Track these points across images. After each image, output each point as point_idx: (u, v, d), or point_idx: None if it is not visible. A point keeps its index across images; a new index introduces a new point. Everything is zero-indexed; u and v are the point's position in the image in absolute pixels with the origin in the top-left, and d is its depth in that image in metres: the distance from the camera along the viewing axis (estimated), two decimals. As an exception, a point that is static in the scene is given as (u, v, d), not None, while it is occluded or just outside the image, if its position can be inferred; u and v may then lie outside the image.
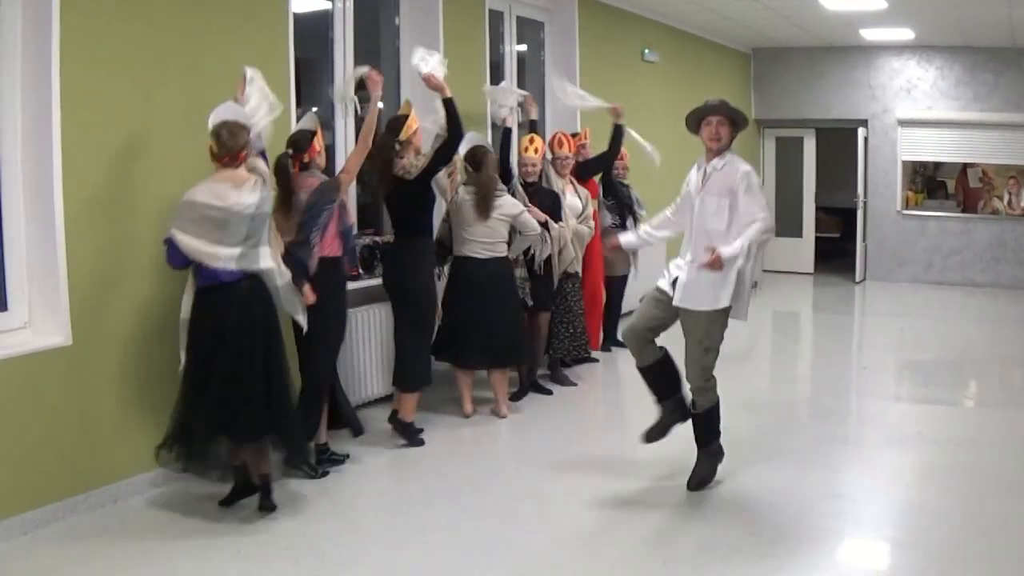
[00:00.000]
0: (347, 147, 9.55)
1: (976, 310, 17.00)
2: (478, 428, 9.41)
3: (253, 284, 6.64)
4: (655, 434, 7.71)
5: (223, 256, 6.46)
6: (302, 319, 7.02)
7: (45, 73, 6.51)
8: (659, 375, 7.66)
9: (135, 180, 6.97)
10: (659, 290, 7.58)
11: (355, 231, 7.98)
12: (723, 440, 7.81)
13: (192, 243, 6.43)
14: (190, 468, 6.85)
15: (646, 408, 7.82)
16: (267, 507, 6.92)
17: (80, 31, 6.67)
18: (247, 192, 6.51)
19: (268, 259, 6.70)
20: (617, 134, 11.39)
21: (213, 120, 6.72)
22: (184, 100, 7.25)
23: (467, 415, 9.62)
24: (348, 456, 8.13)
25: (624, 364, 11.94)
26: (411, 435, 8.73)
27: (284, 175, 7.43)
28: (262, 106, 7.13)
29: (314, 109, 9.35)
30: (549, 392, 10.53)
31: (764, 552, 6.57)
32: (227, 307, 6.54)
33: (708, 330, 7.36)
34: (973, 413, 10.51)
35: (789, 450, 8.63)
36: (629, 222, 12.10)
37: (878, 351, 12.56)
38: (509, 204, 9.37)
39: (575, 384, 10.98)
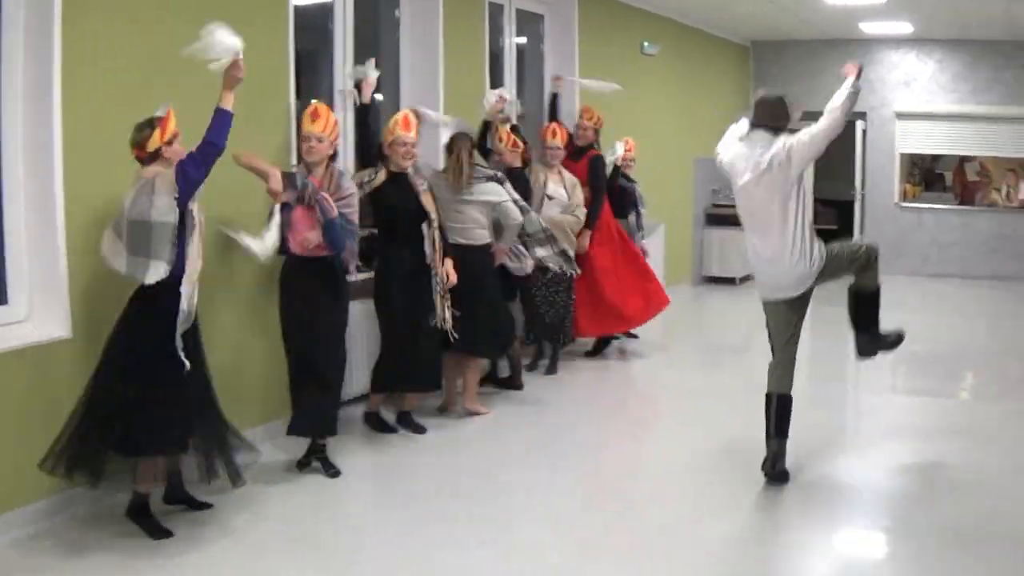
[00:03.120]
0: (346, 139, 9.56)
1: (974, 302, 17.04)
2: (454, 424, 9.38)
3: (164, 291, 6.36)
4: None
5: (117, 259, 6.35)
6: (179, 352, 6.31)
7: (47, 66, 6.52)
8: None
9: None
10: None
11: (346, 226, 7.68)
12: (720, 430, 7.87)
13: (106, 241, 6.42)
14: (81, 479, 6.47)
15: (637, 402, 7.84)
16: (183, 502, 6.87)
17: (82, 24, 6.69)
18: (131, 192, 6.32)
19: (155, 276, 6.26)
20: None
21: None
22: (184, 93, 7.22)
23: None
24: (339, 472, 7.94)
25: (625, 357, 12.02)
26: (417, 426, 8.88)
27: None
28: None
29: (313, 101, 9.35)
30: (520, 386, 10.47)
31: (760, 541, 6.63)
32: (143, 313, 6.40)
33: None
34: (969, 405, 10.56)
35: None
36: (631, 217, 12.14)
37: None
38: (489, 190, 9.33)
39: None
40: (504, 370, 10.46)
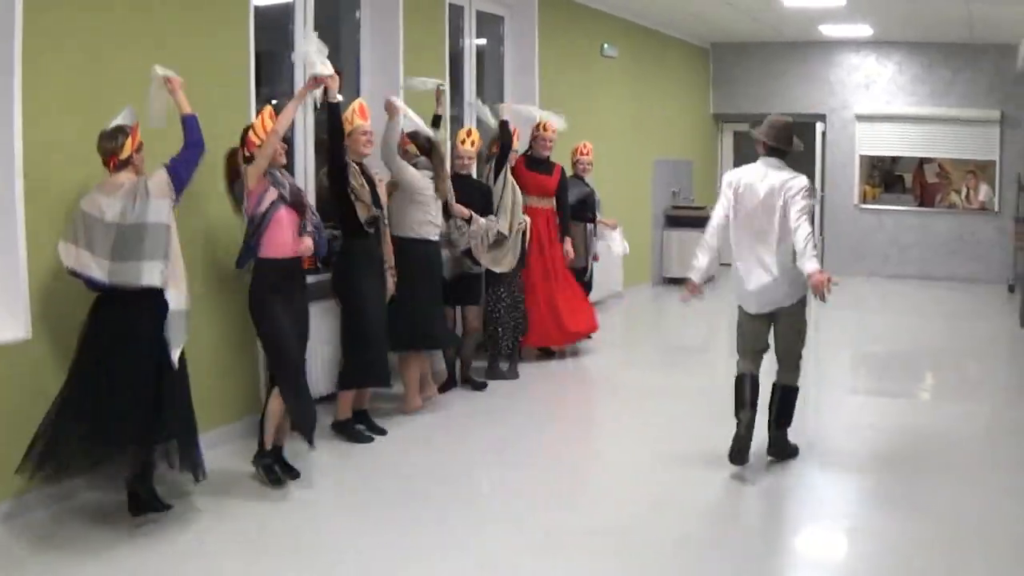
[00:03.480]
0: (305, 141, 9.56)
1: (932, 303, 17.13)
2: (416, 422, 9.36)
3: (141, 297, 6.42)
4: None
5: (93, 267, 6.32)
6: (174, 355, 6.52)
7: (6, 64, 6.47)
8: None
9: (95, 173, 6.92)
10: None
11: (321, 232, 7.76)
12: (678, 430, 7.91)
13: (69, 250, 6.36)
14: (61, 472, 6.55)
15: (585, 401, 7.84)
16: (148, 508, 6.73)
17: (42, 28, 6.64)
18: (116, 199, 6.34)
19: (154, 277, 6.37)
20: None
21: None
22: (145, 95, 7.22)
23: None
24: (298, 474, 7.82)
25: (584, 357, 12.04)
26: (377, 427, 8.88)
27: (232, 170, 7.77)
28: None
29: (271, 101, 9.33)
30: (483, 386, 10.48)
31: (721, 542, 6.64)
32: (115, 316, 6.41)
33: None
34: (928, 405, 10.61)
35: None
36: (589, 227, 12.19)
37: (834, 344, 12.64)
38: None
39: (516, 377, 10.96)
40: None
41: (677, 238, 18.26)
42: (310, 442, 7.64)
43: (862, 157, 19.77)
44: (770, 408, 8.07)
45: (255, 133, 7.48)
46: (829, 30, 18.11)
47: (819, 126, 19.89)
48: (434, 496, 7.40)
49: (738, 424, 7.78)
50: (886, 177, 19.91)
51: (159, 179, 6.43)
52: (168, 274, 6.40)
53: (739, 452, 7.66)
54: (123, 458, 6.63)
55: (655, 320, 15.99)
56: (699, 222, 18.05)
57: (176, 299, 6.44)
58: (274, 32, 9.42)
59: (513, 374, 10.97)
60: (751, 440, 7.74)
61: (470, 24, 12.47)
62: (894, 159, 19.72)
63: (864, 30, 18.00)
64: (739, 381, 7.98)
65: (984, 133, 18.96)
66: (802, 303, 7.90)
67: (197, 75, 7.45)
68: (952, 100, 19.05)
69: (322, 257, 7.89)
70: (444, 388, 10.26)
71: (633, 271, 16.70)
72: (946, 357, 12.74)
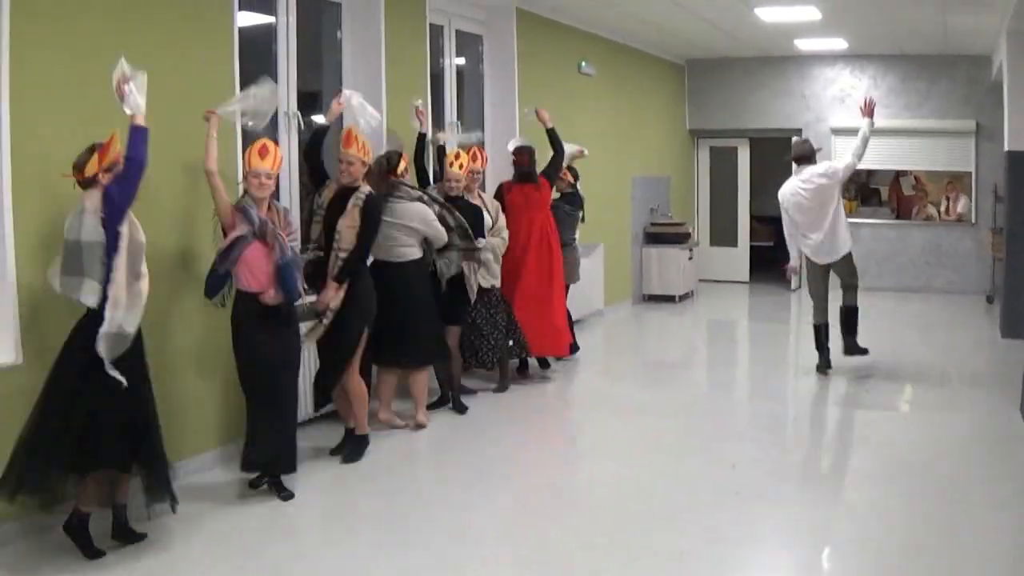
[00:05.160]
0: (290, 163, 9.58)
1: (910, 315, 17.19)
2: (397, 441, 9.38)
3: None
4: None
5: (52, 281, 6.36)
6: (112, 372, 6.34)
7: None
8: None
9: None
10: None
11: (296, 265, 7.69)
12: (664, 448, 7.96)
13: (52, 269, 6.40)
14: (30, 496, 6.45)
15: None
16: (123, 538, 6.74)
17: (29, 50, 6.66)
18: (70, 216, 6.35)
19: (90, 296, 6.31)
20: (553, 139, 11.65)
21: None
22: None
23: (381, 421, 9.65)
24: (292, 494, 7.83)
25: (566, 374, 12.06)
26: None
27: None
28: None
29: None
30: (464, 409, 10.39)
31: (710, 558, 6.65)
32: (82, 334, 6.37)
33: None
34: (909, 417, 10.64)
35: (731, 457, 8.70)
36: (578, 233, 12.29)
37: (815, 357, 12.68)
38: (412, 211, 9.38)
39: (505, 390, 11.13)
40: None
41: (657, 255, 18.31)
42: (273, 475, 7.71)
43: (838, 170, 19.82)
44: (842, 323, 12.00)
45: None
46: (804, 44, 18.19)
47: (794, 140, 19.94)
48: (421, 516, 7.42)
49: (821, 356, 12.15)
50: (862, 190, 19.97)
51: (95, 196, 6.31)
52: (110, 294, 6.27)
53: (824, 366, 12.12)
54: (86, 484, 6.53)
55: (636, 337, 15.99)
56: (678, 239, 18.31)
57: (109, 321, 6.24)
58: (257, 53, 9.42)
59: (502, 387, 11.13)
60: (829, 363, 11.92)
61: (450, 43, 12.52)
62: (870, 172, 19.79)
63: (839, 44, 18.09)
64: (817, 329, 12.16)
65: (960, 144, 19.08)
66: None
67: (182, 96, 7.48)
68: (927, 112, 19.16)
69: (292, 299, 7.67)
70: (435, 405, 10.32)
71: (614, 289, 16.74)
72: (925, 368, 12.77)
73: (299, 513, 7.52)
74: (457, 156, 10.34)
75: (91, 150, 6.40)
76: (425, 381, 9.76)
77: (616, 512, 7.52)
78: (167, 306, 7.63)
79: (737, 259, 20.94)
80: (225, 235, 7.45)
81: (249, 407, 7.70)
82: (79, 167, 6.38)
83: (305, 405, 9.07)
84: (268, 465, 7.68)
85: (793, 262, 12.34)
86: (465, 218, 9.94)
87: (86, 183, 6.38)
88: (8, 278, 6.60)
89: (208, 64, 8.24)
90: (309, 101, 10.23)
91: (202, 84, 8.06)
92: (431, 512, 7.48)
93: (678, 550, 6.70)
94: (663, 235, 18.45)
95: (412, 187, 9.64)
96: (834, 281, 12.03)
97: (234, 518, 7.24)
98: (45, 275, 6.41)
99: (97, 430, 6.31)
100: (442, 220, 9.52)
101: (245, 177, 7.62)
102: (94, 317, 6.26)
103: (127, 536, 6.73)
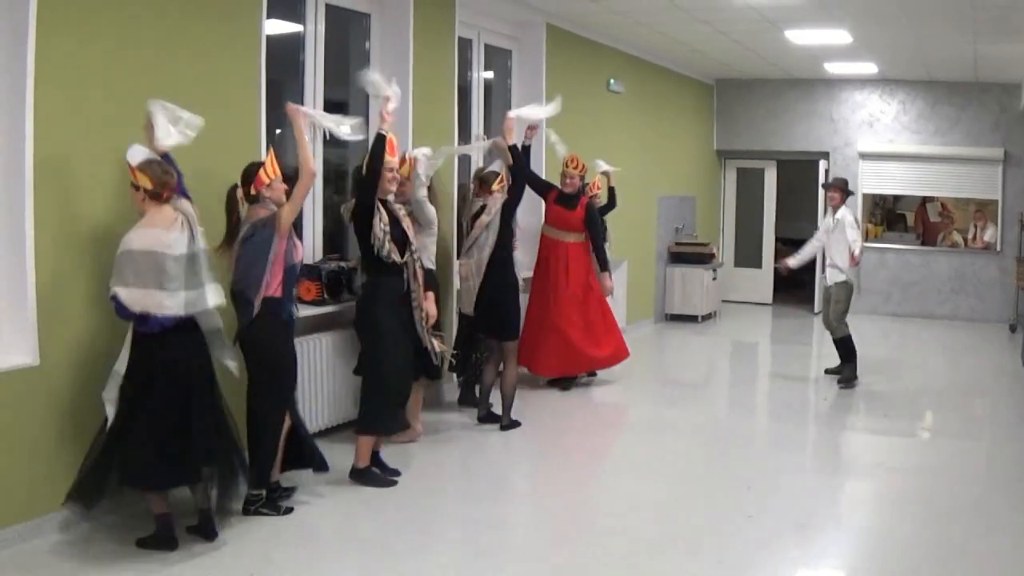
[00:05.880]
0: (319, 172, 9.58)
1: (934, 342, 17.13)
2: (409, 454, 9.32)
3: (194, 325, 6.59)
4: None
5: (168, 304, 6.36)
6: (231, 365, 6.87)
7: (20, 93, 6.48)
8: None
9: (107, 199, 6.95)
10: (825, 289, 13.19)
11: (298, 270, 7.70)
12: (681, 468, 7.92)
13: (135, 295, 6.34)
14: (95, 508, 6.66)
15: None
16: (209, 535, 6.82)
17: (55, 53, 6.66)
18: (176, 232, 6.41)
19: (217, 296, 6.61)
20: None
21: (134, 159, 6.58)
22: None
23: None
24: (295, 488, 7.91)
25: (588, 392, 12.04)
26: (391, 469, 8.66)
27: (230, 207, 7.40)
28: (171, 131, 6.92)
29: (277, 130, 9.32)
30: (515, 424, 10.26)
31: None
32: (169, 351, 6.46)
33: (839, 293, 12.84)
34: (931, 443, 10.59)
35: (750, 479, 8.67)
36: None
37: (837, 382, 12.66)
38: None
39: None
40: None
41: (680, 274, 18.27)
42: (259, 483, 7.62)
43: (865, 195, 19.76)
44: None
45: (265, 172, 7.29)
46: (834, 68, 18.14)
47: (822, 164, 19.88)
48: (433, 531, 7.41)
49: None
50: (888, 215, 19.92)
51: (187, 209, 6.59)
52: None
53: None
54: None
55: (657, 356, 15.95)
56: (702, 259, 18.26)
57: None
58: (284, 62, 9.43)
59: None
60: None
61: (478, 57, 12.53)
62: (896, 198, 19.74)
63: (869, 68, 18.03)
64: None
65: (987, 172, 19.01)
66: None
67: (208, 104, 7.45)
68: (956, 139, 19.10)
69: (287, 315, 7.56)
70: (485, 420, 10.30)
71: (636, 307, 16.71)
72: (947, 395, 12.73)
73: (311, 524, 7.49)
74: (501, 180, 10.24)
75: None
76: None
77: (627, 532, 7.45)
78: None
79: (761, 281, 20.86)
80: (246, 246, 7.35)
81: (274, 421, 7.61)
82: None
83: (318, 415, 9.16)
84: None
85: (795, 263, 13.60)
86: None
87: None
88: (27, 280, 6.59)
89: (235, 73, 8.25)
90: (335, 111, 10.19)
91: (228, 92, 8.07)
92: (443, 528, 7.47)
93: (688, 572, 6.67)
94: (687, 255, 18.41)
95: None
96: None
97: (242, 527, 7.23)
98: (136, 311, 6.40)
99: (160, 446, 6.43)
100: None
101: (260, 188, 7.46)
102: (169, 333, 6.45)
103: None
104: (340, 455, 8.51)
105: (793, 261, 13.48)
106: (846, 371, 12.73)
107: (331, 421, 9.40)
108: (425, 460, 9.02)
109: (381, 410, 8.36)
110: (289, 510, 7.55)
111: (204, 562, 6.56)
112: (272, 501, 7.53)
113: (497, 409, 10.25)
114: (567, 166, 11.62)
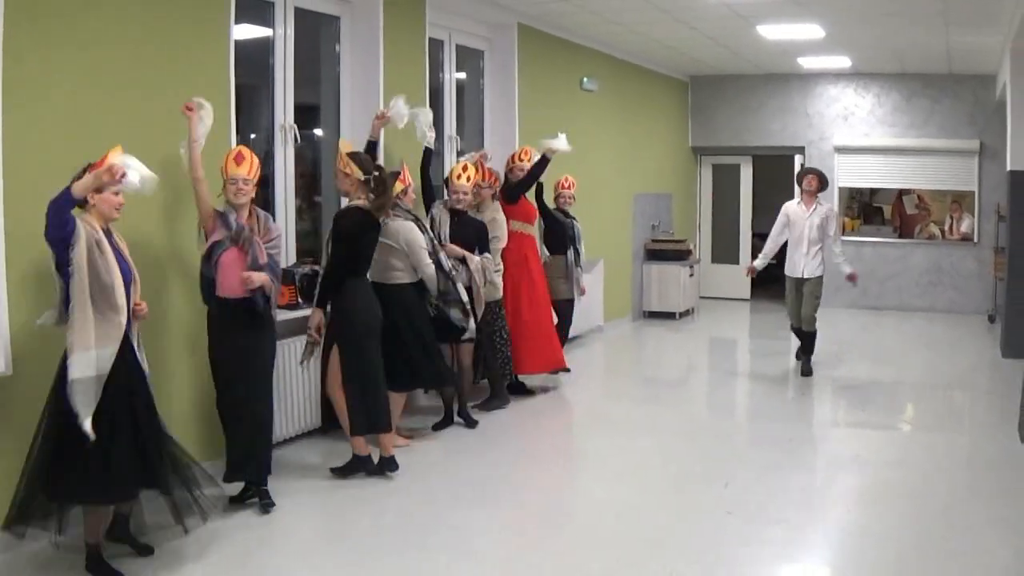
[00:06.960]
0: (286, 176, 9.56)
1: (912, 335, 17.13)
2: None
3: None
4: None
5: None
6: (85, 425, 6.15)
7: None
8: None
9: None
10: (792, 280, 13.42)
11: (275, 269, 7.67)
12: (659, 466, 7.98)
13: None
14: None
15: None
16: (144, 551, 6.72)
17: (22, 58, 6.62)
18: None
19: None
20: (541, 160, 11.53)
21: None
22: (127, 127, 7.20)
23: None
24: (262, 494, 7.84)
25: (565, 391, 12.01)
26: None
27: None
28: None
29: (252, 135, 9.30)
30: (475, 423, 10.37)
31: (706, 578, 6.61)
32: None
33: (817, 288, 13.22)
34: (910, 436, 10.57)
35: (729, 477, 8.65)
36: (570, 254, 12.15)
37: (814, 376, 12.65)
38: (405, 230, 9.18)
39: (508, 403, 11.13)
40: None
41: (657, 272, 18.27)
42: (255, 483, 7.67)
43: (841, 189, 19.78)
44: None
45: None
46: (808, 62, 18.17)
47: (798, 159, 19.93)
48: (413, 534, 7.36)
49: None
50: (865, 209, 19.94)
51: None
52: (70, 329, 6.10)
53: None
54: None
55: (635, 354, 15.93)
56: (679, 255, 18.25)
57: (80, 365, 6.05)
58: (254, 66, 9.40)
59: (504, 401, 11.13)
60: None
61: (450, 58, 12.51)
62: (873, 191, 19.76)
63: (843, 62, 18.05)
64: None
65: (963, 164, 19.04)
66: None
67: (177, 110, 7.42)
68: (931, 131, 19.13)
69: (260, 306, 7.51)
70: (440, 426, 10.25)
71: (613, 305, 16.71)
72: (926, 388, 12.75)
73: (292, 527, 7.48)
74: (465, 168, 10.27)
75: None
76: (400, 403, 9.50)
77: (607, 532, 7.45)
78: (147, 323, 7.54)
79: (738, 276, 20.85)
80: (206, 239, 7.47)
81: (224, 413, 7.71)
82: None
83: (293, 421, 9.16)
84: (246, 473, 7.67)
85: (757, 265, 13.91)
86: (466, 235, 9.92)
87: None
88: (-1, 289, 6.54)
89: (204, 78, 8.20)
90: (307, 114, 10.19)
91: (197, 95, 8.02)
92: (423, 531, 7.40)
93: (667, 571, 6.64)
94: (664, 252, 18.41)
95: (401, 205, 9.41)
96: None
97: (222, 529, 7.19)
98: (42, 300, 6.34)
99: (96, 461, 6.15)
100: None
101: (224, 184, 7.56)
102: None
103: (130, 542, 6.75)
104: (315, 458, 8.50)
105: (759, 262, 13.80)
106: (808, 363, 13.26)
107: (305, 426, 9.42)
108: (404, 461, 9.00)
109: (361, 410, 8.43)
110: (270, 507, 7.64)
111: (186, 564, 6.55)
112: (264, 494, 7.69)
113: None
114: (519, 159, 11.55)
